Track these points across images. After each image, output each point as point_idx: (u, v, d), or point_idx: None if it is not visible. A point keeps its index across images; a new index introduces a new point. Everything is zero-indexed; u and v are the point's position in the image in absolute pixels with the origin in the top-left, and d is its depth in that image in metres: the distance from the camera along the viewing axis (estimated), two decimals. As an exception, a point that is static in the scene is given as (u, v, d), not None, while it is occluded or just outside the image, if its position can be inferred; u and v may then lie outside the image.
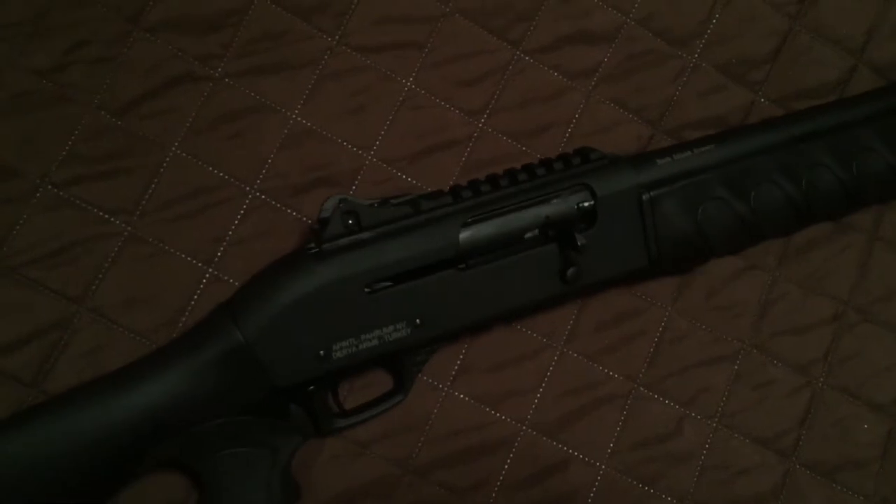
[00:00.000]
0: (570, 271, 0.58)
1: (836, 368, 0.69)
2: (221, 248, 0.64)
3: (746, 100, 0.72)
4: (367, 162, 0.67)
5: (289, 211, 0.65)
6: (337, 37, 0.68)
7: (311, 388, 0.56)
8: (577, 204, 0.58)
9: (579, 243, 0.56)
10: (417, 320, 0.56)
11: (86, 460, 0.52)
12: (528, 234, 0.58)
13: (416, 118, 0.68)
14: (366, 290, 0.55)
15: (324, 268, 0.54)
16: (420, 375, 0.64)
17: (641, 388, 0.66)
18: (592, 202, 0.58)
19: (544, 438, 0.65)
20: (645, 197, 0.59)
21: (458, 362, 0.65)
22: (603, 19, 0.71)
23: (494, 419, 0.64)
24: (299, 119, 0.66)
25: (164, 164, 0.64)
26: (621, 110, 0.71)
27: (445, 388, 0.64)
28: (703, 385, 0.67)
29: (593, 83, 0.71)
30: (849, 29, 0.73)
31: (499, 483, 0.63)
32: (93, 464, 0.52)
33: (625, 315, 0.68)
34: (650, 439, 0.66)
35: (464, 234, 0.56)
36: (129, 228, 0.62)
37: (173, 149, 0.64)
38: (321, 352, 0.54)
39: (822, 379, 0.68)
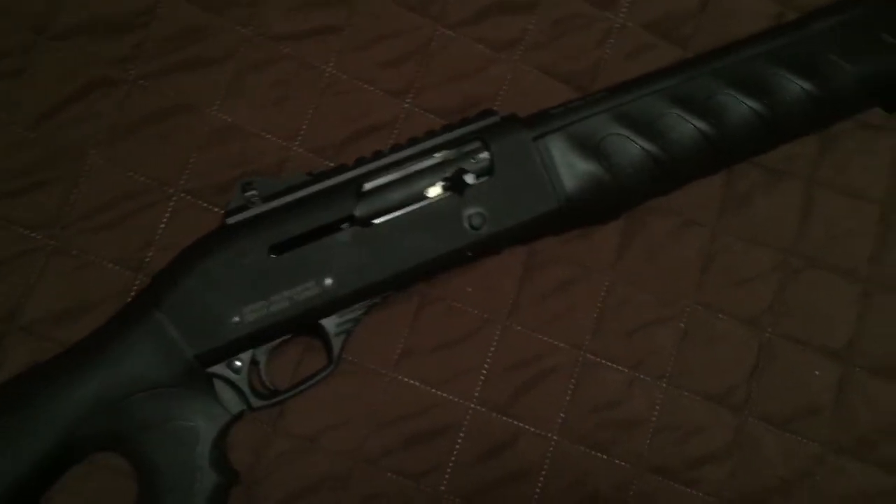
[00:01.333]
0: (472, 216, 0.58)
1: (783, 318, 0.68)
2: (150, 254, 0.63)
3: (677, 56, 0.71)
4: (292, 153, 0.66)
5: (216, 210, 0.64)
6: (251, 27, 0.67)
7: (237, 363, 0.57)
8: (471, 153, 0.59)
9: (470, 183, 0.58)
10: (327, 280, 0.57)
11: (22, 455, 0.53)
12: (431, 191, 0.59)
13: (341, 104, 0.68)
14: (271, 255, 0.56)
15: (226, 239, 0.57)
16: (363, 362, 0.63)
17: (588, 356, 0.66)
18: (488, 153, 0.59)
19: (494, 415, 0.64)
20: (539, 142, 0.59)
21: (401, 346, 0.64)
22: (523, -14, 0.70)
23: (442, 400, 0.64)
24: (220, 115, 0.65)
25: (84, 174, 0.63)
26: (550, 78, 0.70)
27: (389, 373, 0.64)
28: (650, 347, 0.67)
29: (519, 53, 0.70)
30: (772, -25, 0.72)
31: (451, 464, 0.63)
32: (29, 457, 0.53)
33: (566, 283, 0.67)
34: (600, 406, 0.65)
35: (364, 190, 0.58)
36: (52, 242, 0.62)
37: (91, 156, 0.63)
38: (234, 318, 0.56)
39: (770, 329, 0.68)
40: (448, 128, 0.61)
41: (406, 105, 0.68)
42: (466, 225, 0.58)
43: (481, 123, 0.61)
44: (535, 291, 0.67)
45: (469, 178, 0.59)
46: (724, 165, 0.67)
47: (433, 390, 0.64)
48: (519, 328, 0.66)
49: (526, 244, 0.66)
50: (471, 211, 0.58)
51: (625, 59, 0.71)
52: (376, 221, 0.58)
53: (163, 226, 0.63)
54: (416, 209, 0.58)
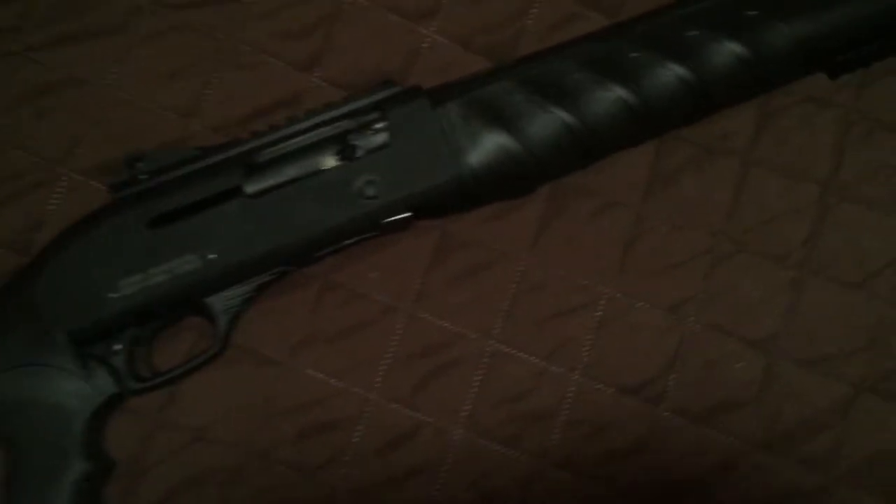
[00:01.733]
0: (365, 184, 0.56)
1: (707, 306, 0.65)
2: (38, 236, 0.60)
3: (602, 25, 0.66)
4: (192, 130, 0.63)
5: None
6: (147, -5, 0.63)
7: (116, 344, 0.56)
8: (368, 123, 0.57)
9: (365, 152, 0.56)
10: (210, 254, 0.55)
11: None
12: (325, 162, 0.57)
13: (243, 78, 0.65)
14: (151, 229, 0.55)
15: (107, 215, 0.55)
16: (258, 349, 0.60)
17: (498, 345, 0.63)
18: (384, 122, 0.57)
19: (394, 406, 0.62)
20: (440, 111, 0.57)
21: (299, 333, 0.61)
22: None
23: (340, 391, 0.62)
24: (113, 90, 0.62)
25: (-35, 153, 0.60)
26: (468, 50, 0.66)
27: (286, 362, 0.61)
28: (563, 336, 0.63)
29: (436, 23, 0.66)
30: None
31: (348, 458, 0.61)
32: None
33: (478, 268, 0.64)
34: (508, 398, 0.62)
35: (254, 163, 0.56)
36: (-68, 227, 0.59)
37: (-27, 135, 0.60)
38: (110, 294, 0.54)
39: (692, 318, 0.64)
40: (347, 99, 0.58)
41: (314, 79, 0.64)
42: (359, 194, 0.56)
43: (380, 94, 0.58)
44: (445, 276, 0.64)
45: (364, 148, 0.57)
46: (649, 136, 0.63)
47: (331, 380, 0.62)
48: (425, 315, 0.63)
49: (434, 218, 0.62)
50: (364, 179, 0.56)
51: (549, 29, 0.67)
52: (266, 194, 0.56)
53: (52, 207, 0.61)
54: (308, 180, 0.56)
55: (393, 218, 0.58)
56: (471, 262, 0.64)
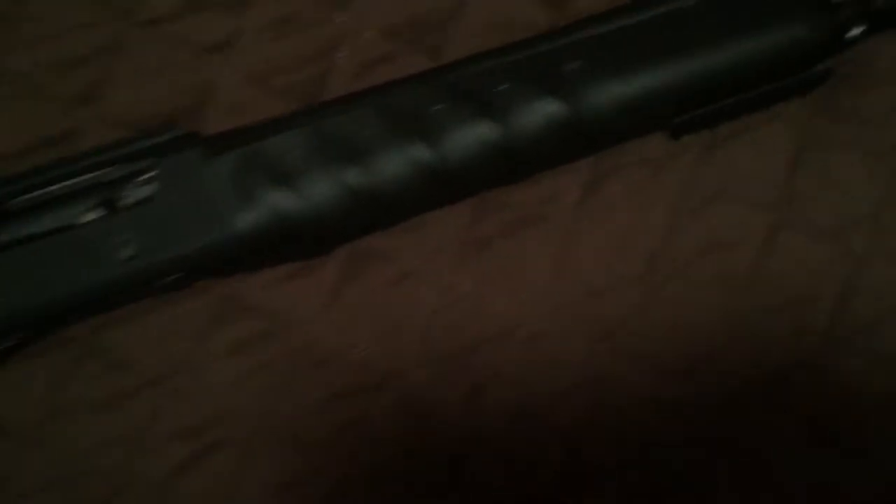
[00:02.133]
0: (125, 243, 0.50)
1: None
2: None
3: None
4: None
5: None
6: None
7: None
8: (136, 173, 0.51)
9: (128, 205, 0.50)
10: None
11: None
12: (85, 214, 0.51)
13: (9, 112, 0.58)
14: None
15: None
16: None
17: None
18: (153, 172, 0.51)
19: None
20: (217, 163, 0.51)
21: (47, 404, 0.56)
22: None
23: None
24: None
25: None
26: (265, 89, 0.60)
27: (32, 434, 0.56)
28: (348, 418, 0.58)
29: (229, 58, 0.60)
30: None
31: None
32: None
33: (265, 336, 0.58)
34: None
35: (1, 210, 0.50)
36: None
37: None
38: None
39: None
40: (119, 143, 0.52)
41: (88, 116, 0.58)
42: (117, 253, 0.50)
43: (155, 139, 0.52)
44: (223, 344, 0.58)
45: (129, 200, 0.51)
46: (453, 198, 0.57)
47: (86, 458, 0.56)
48: (193, 390, 0.57)
49: (218, 278, 0.56)
50: (124, 237, 0.50)
51: (360, 70, 0.60)
52: (11, 247, 0.50)
53: None
54: (62, 234, 0.50)
55: (157, 282, 0.52)
56: (254, 329, 0.58)
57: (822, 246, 0.62)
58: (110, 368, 0.57)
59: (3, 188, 0.50)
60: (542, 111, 0.53)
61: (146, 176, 0.51)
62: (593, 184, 0.61)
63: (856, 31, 0.57)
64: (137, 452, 0.57)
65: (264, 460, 0.57)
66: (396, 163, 0.52)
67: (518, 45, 0.55)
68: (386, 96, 0.53)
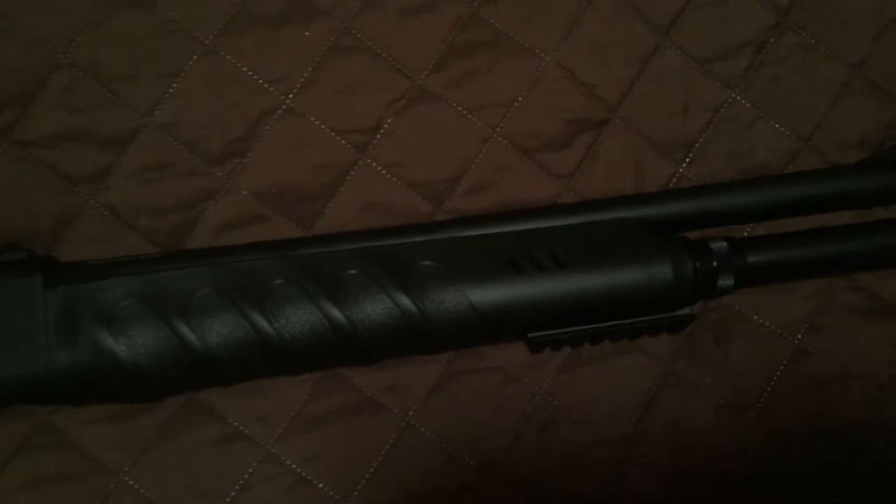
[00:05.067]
0: None
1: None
2: None
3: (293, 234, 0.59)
4: None
5: None
6: None
7: None
8: None
9: None
10: None
11: None
12: None
13: None
14: None
15: None
16: None
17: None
18: None
19: None
20: (53, 294, 0.50)
21: None
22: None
23: None
24: None
25: None
26: (129, 228, 0.59)
27: None
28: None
29: (100, 190, 0.59)
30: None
31: None
32: None
33: (70, 475, 0.56)
34: None
35: None
36: None
37: None
38: None
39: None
40: None
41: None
42: None
43: (0, 256, 0.52)
44: (25, 477, 0.56)
45: None
46: (286, 372, 0.56)
47: None
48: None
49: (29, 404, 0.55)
50: None
51: (225, 227, 0.60)
52: None
53: None
54: None
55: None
56: (61, 465, 0.57)
57: (665, 489, 0.60)
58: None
59: None
60: (388, 303, 0.52)
61: None
62: (443, 382, 0.60)
63: (725, 283, 0.56)
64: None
65: None
66: (230, 327, 0.51)
67: (379, 233, 0.55)
68: (235, 259, 0.53)
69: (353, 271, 0.52)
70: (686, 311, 0.57)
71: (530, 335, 0.56)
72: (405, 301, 0.52)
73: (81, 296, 0.51)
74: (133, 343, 0.50)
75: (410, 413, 0.60)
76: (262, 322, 0.51)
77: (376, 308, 0.52)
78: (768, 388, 0.62)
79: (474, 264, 0.53)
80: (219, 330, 0.51)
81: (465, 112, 0.62)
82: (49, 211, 0.59)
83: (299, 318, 0.52)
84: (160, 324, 0.51)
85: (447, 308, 0.53)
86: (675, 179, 0.64)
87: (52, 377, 0.50)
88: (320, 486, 0.58)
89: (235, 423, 0.58)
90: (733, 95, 0.65)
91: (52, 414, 0.57)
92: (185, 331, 0.51)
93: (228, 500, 0.57)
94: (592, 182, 0.63)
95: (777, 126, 0.65)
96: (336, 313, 0.52)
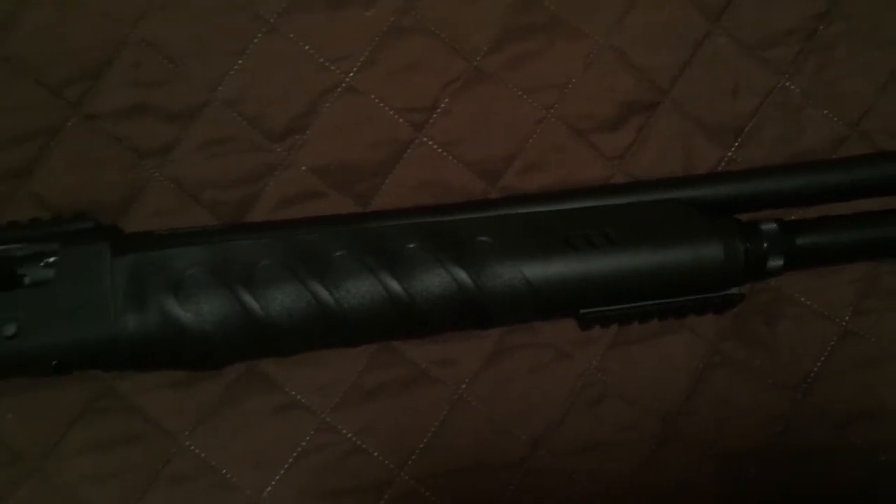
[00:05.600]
0: (9, 320, 0.50)
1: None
2: None
3: (348, 210, 0.61)
4: None
5: None
6: None
7: None
8: (40, 254, 0.52)
9: (24, 284, 0.51)
10: None
11: None
12: None
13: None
14: None
15: None
16: None
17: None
18: (56, 257, 0.51)
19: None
20: (120, 262, 0.52)
21: None
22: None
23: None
24: None
25: None
26: (190, 198, 0.61)
27: None
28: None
29: (164, 164, 0.61)
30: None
31: None
32: None
33: (129, 437, 0.58)
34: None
35: None
36: None
37: None
38: None
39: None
40: (32, 223, 0.53)
41: (12, 191, 0.59)
42: (0, 330, 0.50)
43: (66, 226, 0.53)
44: (90, 438, 0.58)
45: (27, 280, 0.52)
46: (342, 343, 0.57)
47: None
48: (57, 478, 0.57)
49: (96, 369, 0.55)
50: (11, 314, 0.50)
51: (284, 202, 0.62)
52: None
53: None
54: None
55: (33, 365, 0.52)
56: (124, 429, 0.58)
57: (710, 467, 0.61)
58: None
59: None
60: (445, 277, 0.53)
61: (49, 260, 0.52)
62: (495, 357, 0.61)
63: (774, 264, 0.57)
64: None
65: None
66: (293, 298, 0.53)
67: (437, 209, 0.56)
68: (297, 232, 0.54)
69: (411, 245, 0.54)
70: (735, 290, 0.57)
71: (582, 311, 0.56)
72: (462, 275, 0.53)
73: (149, 264, 0.52)
74: (199, 310, 0.52)
75: (462, 387, 0.60)
76: (323, 293, 0.52)
77: (434, 281, 0.53)
78: (815, 369, 0.62)
79: (529, 241, 0.54)
80: (281, 300, 0.52)
81: (520, 93, 0.63)
82: (116, 183, 0.60)
83: (359, 290, 0.53)
84: (225, 292, 0.52)
85: (502, 283, 0.54)
86: (723, 163, 0.65)
87: (120, 342, 0.52)
88: (375, 454, 0.59)
89: (293, 393, 0.59)
90: (783, 81, 0.66)
91: (116, 380, 0.58)
92: (249, 299, 0.52)
93: (286, 466, 0.58)
94: (643, 164, 0.64)
95: (825, 112, 0.65)
96: (395, 285, 0.53)
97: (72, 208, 0.58)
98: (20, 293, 0.51)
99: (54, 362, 0.52)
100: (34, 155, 0.60)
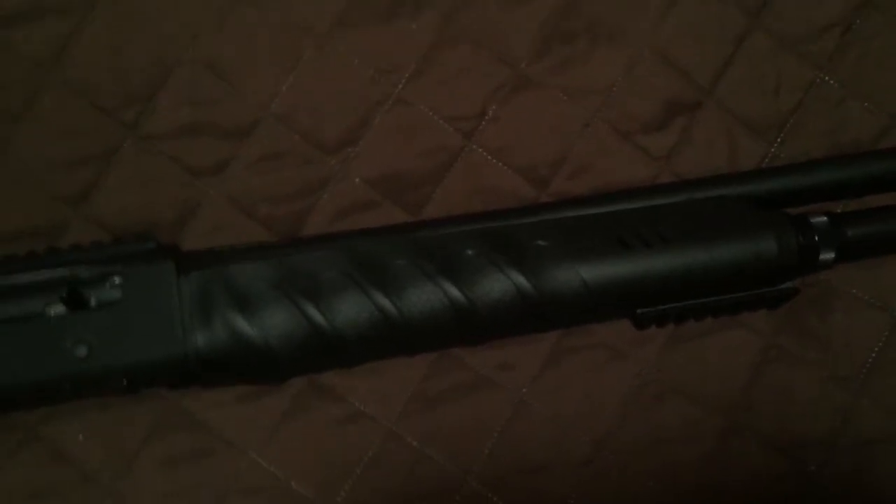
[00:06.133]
0: (82, 342, 0.51)
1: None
2: None
3: (402, 220, 0.61)
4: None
5: None
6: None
7: None
8: (106, 275, 0.52)
9: (92, 306, 0.51)
10: None
11: None
12: (51, 307, 0.51)
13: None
14: None
15: None
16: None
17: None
18: (121, 279, 0.52)
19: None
20: (186, 280, 0.52)
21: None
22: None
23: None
24: None
25: None
26: (247, 217, 0.62)
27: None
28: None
29: (218, 182, 0.61)
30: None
31: None
32: None
33: (200, 454, 0.59)
34: None
35: None
36: None
37: None
38: None
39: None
40: (96, 245, 0.54)
41: (74, 214, 0.60)
42: (73, 351, 0.51)
43: (130, 247, 0.54)
44: (161, 455, 0.59)
45: (93, 302, 0.52)
46: (407, 351, 0.58)
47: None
48: (126, 493, 0.57)
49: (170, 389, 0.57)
50: (82, 336, 0.51)
51: (339, 213, 0.62)
52: None
53: None
54: (23, 323, 0.51)
55: (107, 384, 0.53)
56: (195, 445, 0.59)
57: (773, 460, 0.61)
58: (51, 460, 0.57)
59: None
60: (505, 282, 0.54)
61: (114, 281, 0.52)
62: (553, 359, 0.62)
63: (826, 257, 0.58)
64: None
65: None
66: (356, 308, 0.53)
67: (491, 215, 0.57)
68: (356, 243, 0.55)
69: (469, 252, 0.54)
70: (789, 284, 0.58)
71: (639, 311, 0.57)
72: (521, 279, 0.54)
73: (214, 280, 0.53)
74: (265, 325, 0.52)
75: (524, 390, 0.61)
76: (385, 302, 0.53)
77: (494, 286, 0.54)
78: (870, 360, 0.63)
79: (584, 242, 0.55)
80: (345, 311, 0.53)
81: (565, 97, 0.64)
82: (172, 202, 0.61)
83: (420, 298, 0.53)
84: (290, 306, 0.53)
85: (560, 285, 0.54)
86: (767, 158, 0.65)
87: (190, 359, 0.52)
88: (441, 461, 0.60)
89: (356, 403, 0.60)
90: (822, 75, 0.66)
91: (181, 398, 0.59)
92: (314, 312, 0.53)
93: (354, 476, 0.59)
94: (688, 163, 0.65)
95: (866, 104, 0.66)
96: (455, 292, 0.54)
97: (130, 229, 0.59)
98: (89, 315, 0.52)
99: (125, 381, 0.52)
100: (92, 178, 0.60)
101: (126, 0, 0.61)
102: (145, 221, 0.60)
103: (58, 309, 0.51)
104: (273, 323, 0.52)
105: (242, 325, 0.52)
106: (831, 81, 0.66)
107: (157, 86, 0.61)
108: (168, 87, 0.61)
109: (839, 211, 0.62)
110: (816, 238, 0.57)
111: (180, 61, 0.61)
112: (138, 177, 0.61)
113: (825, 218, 0.58)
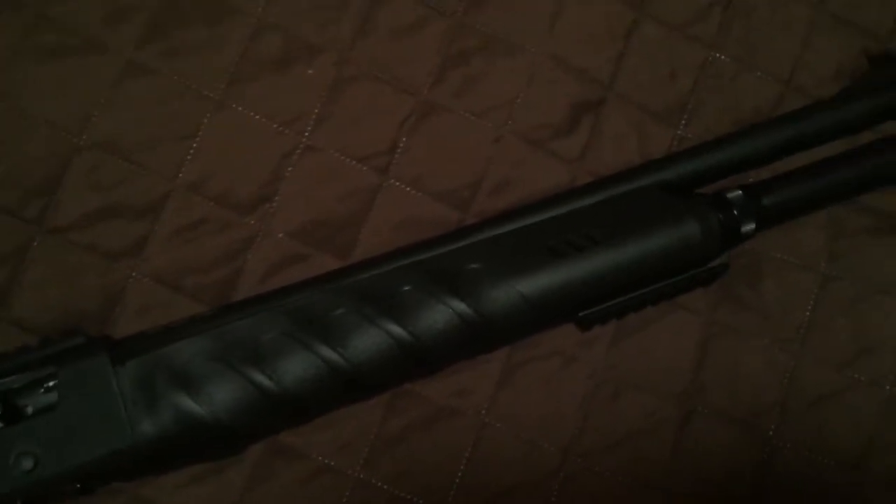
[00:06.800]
0: (24, 455, 0.49)
1: None
2: None
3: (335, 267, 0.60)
4: None
5: None
6: None
7: None
8: (38, 381, 0.50)
9: (28, 414, 0.50)
10: None
11: None
12: None
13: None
14: None
15: None
16: None
17: None
18: (56, 381, 0.50)
19: None
20: (122, 369, 0.51)
21: None
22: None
23: None
24: None
25: None
26: (174, 292, 0.59)
27: None
28: None
29: (139, 261, 0.59)
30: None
31: None
32: None
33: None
34: None
35: None
36: None
37: None
38: None
39: None
40: (21, 350, 0.52)
41: (-7, 322, 0.57)
42: (18, 466, 0.49)
43: (58, 346, 0.52)
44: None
45: (29, 410, 0.50)
46: (362, 396, 0.58)
47: None
48: None
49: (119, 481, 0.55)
50: (23, 448, 0.49)
51: (270, 270, 0.61)
52: None
53: None
54: None
55: (58, 491, 0.51)
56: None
57: (733, 433, 0.63)
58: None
59: None
60: (446, 311, 0.54)
61: (49, 384, 0.51)
62: (506, 377, 0.62)
63: (747, 228, 0.59)
64: None
65: None
66: (302, 365, 0.53)
67: (420, 246, 0.57)
68: (291, 299, 0.54)
69: (406, 287, 0.54)
70: (718, 261, 0.59)
71: (581, 314, 0.58)
72: (461, 306, 0.54)
73: (151, 365, 0.52)
74: (212, 400, 0.51)
75: (483, 412, 0.61)
76: (331, 354, 0.53)
77: (436, 318, 0.54)
78: (805, 320, 0.65)
79: (517, 258, 0.56)
80: (292, 370, 0.52)
81: (472, 117, 0.64)
82: (95, 291, 0.59)
83: (366, 343, 0.53)
84: (235, 376, 0.52)
85: (500, 304, 0.55)
86: (676, 142, 0.67)
87: (140, 449, 0.51)
88: (414, 499, 0.59)
89: (319, 458, 0.59)
90: (713, 53, 0.68)
91: (140, 488, 0.57)
92: (260, 378, 0.52)
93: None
94: (602, 160, 0.66)
95: (759, 74, 0.68)
96: (399, 330, 0.53)
97: (55, 326, 0.57)
98: (28, 424, 0.50)
99: (78, 485, 0.51)
100: (6, 280, 0.58)
101: (11, 94, 0.58)
102: (70, 316, 0.58)
103: None
104: (220, 397, 0.51)
105: (189, 404, 0.51)
106: (723, 58, 0.68)
107: (58, 176, 0.59)
108: (69, 176, 0.59)
109: (752, 181, 0.63)
110: (735, 212, 0.58)
111: (77, 147, 0.59)
112: (55, 272, 0.59)
113: (740, 192, 0.59)
